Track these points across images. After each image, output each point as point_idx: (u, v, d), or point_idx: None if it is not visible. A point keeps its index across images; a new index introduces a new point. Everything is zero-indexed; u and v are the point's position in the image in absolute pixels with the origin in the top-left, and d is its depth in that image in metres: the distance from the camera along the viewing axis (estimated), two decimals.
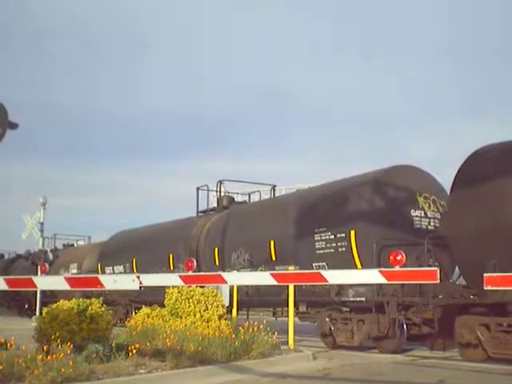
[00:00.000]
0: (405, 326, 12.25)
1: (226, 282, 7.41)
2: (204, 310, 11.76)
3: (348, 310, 13.67)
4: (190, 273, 7.14)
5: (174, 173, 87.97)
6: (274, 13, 74.78)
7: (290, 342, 12.04)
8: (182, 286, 11.76)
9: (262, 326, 10.75)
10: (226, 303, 12.88)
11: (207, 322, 11.47)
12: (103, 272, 22.63)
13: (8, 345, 8.73)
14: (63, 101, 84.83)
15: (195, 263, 7.55)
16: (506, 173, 10.36)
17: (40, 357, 7.56)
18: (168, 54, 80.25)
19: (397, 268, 5.94)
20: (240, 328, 10.72)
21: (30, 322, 18.95)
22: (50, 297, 21.30)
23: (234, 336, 10.09)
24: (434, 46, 75.01)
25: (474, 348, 10.74)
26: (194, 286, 11.79)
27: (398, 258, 6.07)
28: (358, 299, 12.93)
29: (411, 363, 11.14)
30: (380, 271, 5.92)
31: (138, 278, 6.39)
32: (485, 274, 5.65)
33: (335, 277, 6.63)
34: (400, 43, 78.17)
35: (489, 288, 5.63)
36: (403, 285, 11.88)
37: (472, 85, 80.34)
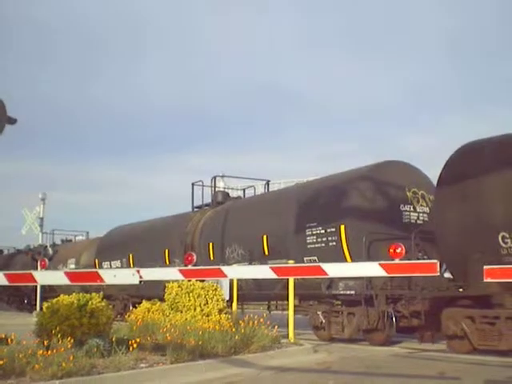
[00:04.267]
0: (394, 319, 12.41)
1: (225, 276, 7.40)
2: (204, 304, 11.76)
3: (339, 303, 13.84)
4: (190, 267, 7.12)
5: (173, 168, 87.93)
6: (273, 10, 74.62)
7: (290, 335, 12.06)
8: (182, 281, 11.77)
9: (262, 320, 10.76)
10: (226, 297, 12.90)
11: (207, 316, 11.48)
12: (100, 267, 22.75)
13: (8, 340, 8.72)
14: (63, 96, 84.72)
15: (195, 257, 7.52)
16: (489, 170, 10.56)
17: (40, 352, 7.56)
18: (167, 51, 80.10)
19: (396, 261, 5.93)
20: (240, 322, 10.73)
21: (31, 317, 18.95)
22: (49, 292, 21.34)
23: (234, 330, 10.10)
24: (433, 44, 74.96)
25: (459, 340, 10.98)
26: (193, 280, 11.80)
27: (398, 250, 6.04)
28: (348, 292, 13.15)
29: (411, 356, 11.18)
30: (380, 264, 5.91)
31: (138, 272, 6.38)
32: (484, 267, 5.66)
33: (335, 270, 6.64)
34: (399, 41, 78.09)
35: (488, 280, 5.64)
36: (392, 278, 12.06)
37: (470, 81, 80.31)
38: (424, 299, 11.76)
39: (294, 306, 14.67)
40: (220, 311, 11.81)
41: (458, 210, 10.96)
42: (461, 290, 11.12)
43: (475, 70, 77.80)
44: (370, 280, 12.54)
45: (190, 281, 11.89)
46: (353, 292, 13.07)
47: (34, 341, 8.81)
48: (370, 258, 12.22)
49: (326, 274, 6.15)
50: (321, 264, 6.29)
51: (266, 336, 10.46)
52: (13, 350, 7.62)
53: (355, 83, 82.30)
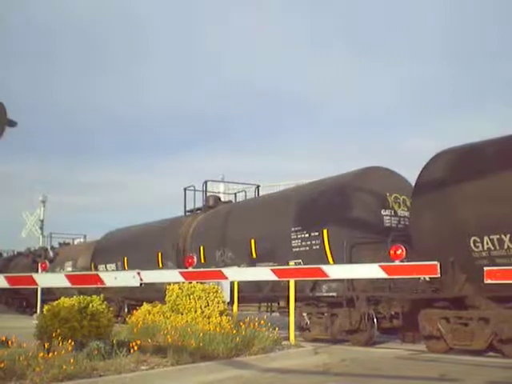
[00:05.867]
0: (375, 320, 12.90)
1: (226, 278, 7.38)
2: (205, 306, 11.75)
3: (324, 304, 14.20)
4: (191, 269, 7.11)
5: (173, 170, 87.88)
6: (274, 10, 74.67)
7: (291, 337, 12.05)
8: (183, 283, 11.75)
9: (262, 322, 10.76)
10: (227, 299, 12.92)
11: (208, 318, 11.46)
12: (96, 270, 23.15)
13: (9, 343, 8.72)
14: (64, 99, 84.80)
15: (195, 259, 7.52)
16: (461, 176, 11.09)
17: (41, 354, 7.55)
18: (167, 52, 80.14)
19: (397, 262, 5.92)
20: (241, 324, 10.71)
21: (31, 319, 18.96)
22: (47, 294, 21.40)
23: (234, 332, 10.09)
24: (433, 43, 75.00)
25: (436, 340, 11.51)
26: (194, 282, 11.80)
27: (398, 252, 6.02)
28: (330, 294, 13.63)
29: (411, 358, 11.17)
30: (380, 266, 5.91)
31: (139, 274, 6.36)
32: (485, 268, 5.70)
33: (335, 271, 6.64)
34: (400, 42, 78.09)
35: (489, 282, 5.67)
36: (374, 280, 12.45)
37: (470, 81, 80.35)
38: (403, 301, 12.30)
39: (281, 307, 15.22)
40: (221, 313, 11.80)
41: (433, 215, 11.43)
42: (435, 291, 11.56)
43: (476, 70, 77.92)
44: (351, 282, 13.03)
45: (190, 283, 11.89)
46: (335, 294, 13.53)
47: (34, 343, 8.81)
48: (351, 260, 12.83)
49: (326, 275, 6.15)
50: (321, 266, 6.29)
51: (267, 338, 10.45)
52: (13, 353, 7.62)
53: (355, 84, 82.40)
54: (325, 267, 6.23)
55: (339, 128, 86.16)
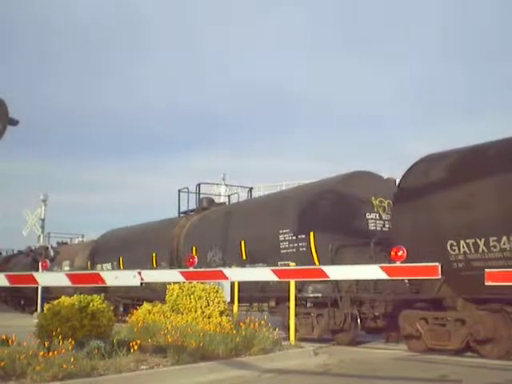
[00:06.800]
0: (359, 320, 13.25)
1: (226, 278, 7.38)
2: (205, 306, 11.75)
3: (310, 305, 14.49)
4: (191, 269, 7.10)
5: (173, 170, 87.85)
6: (274, 11, 74.68)
7: (291, 337, 12.05)
8: (183, 282, 11.75)
9: (262, 322, 10.76)
10: (228, 299, 12.92)
11: (208, 318, 11.47)
12: (93, 269, 23.11)
13: (9, 341, 8.71)
14: (64, 97, 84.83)
15: (196, 259, 7.50)
16: (438, 184, 11.50)
17: (41, 353, 7.54)
18: (169, 52, 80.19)
19: (398, 264, 5.92)
20: (241, 324, 10.71)
21: (31, 318, 18.97)
22: (45, 292, 21.51)
23: (235, 332, 10.08)
24: (433, 43, 74.98)
25: (416, 340, 11.87)
26: (194, 282, 11.79)
27: (399, 253, 6.01)
28: (315, 295, 13.95)
29: (411, 359, 11.17)
30: (381, 267, 5.91)
31: (139, 274, 6.36)
32: (486, 270, 5.70)
33: (336, 272, 6.64)
34: (399, 40, 78.08)
35: (490, 283, 5.67)
36: (358, 281, 12.93)
37: (471, 83, 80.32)
38: (386, 302, 12.71)
39: (272, 307, 15.46)
40: (221, 313, 11.80)
41: (412, 219, 11.81)
42: (415, 293, 11.90)
43: (476, 71, 77.88)
44: (336, 283, 13.31)
45: (190, 282, 11.88)
46: (319, 295, 13.83)
47: (34, 342, 8.80)
48: (335, 262, 13.02)
49: (327, 276, 6.15)
50: (322, 266, 6.29)
51: (267, 338, 10.44)
52: (14, 351, 7.61)
53: (355, 84, 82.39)
54: (325, 268, 6.23)
55: (339, 128, 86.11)
